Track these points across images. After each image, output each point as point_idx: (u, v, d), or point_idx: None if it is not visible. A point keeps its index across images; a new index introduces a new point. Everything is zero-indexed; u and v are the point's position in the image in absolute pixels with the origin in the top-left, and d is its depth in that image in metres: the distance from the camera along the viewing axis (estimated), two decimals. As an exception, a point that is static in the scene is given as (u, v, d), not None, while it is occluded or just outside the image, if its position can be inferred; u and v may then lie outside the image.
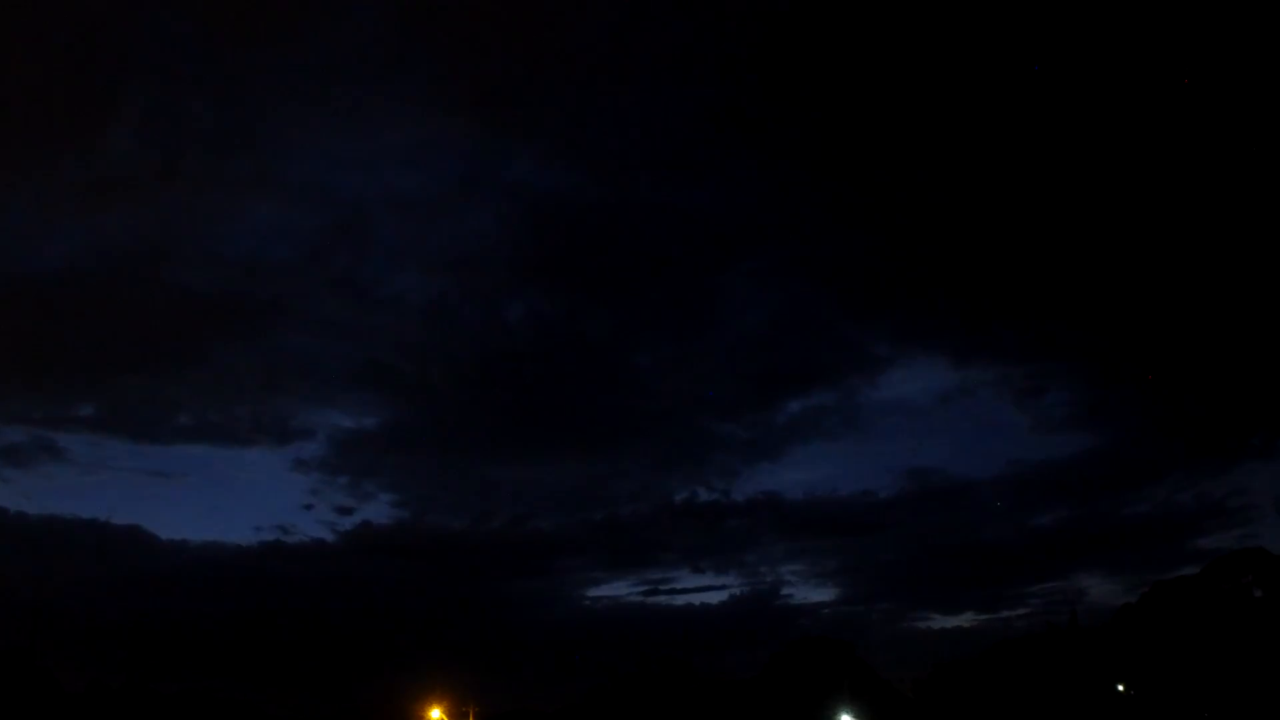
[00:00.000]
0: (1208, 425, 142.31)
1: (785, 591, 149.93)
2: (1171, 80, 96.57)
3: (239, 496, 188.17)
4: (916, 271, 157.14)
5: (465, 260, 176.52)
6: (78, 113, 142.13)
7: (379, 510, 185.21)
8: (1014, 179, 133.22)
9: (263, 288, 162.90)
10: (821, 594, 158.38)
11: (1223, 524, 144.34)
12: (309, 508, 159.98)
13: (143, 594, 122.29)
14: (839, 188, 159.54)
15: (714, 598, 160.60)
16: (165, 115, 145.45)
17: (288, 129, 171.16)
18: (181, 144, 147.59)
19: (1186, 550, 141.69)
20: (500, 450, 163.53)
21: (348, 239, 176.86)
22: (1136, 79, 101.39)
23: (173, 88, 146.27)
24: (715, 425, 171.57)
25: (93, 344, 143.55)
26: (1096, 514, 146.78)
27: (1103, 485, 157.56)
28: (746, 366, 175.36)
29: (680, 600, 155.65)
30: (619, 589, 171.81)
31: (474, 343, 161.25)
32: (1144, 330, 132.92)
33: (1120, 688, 77.56)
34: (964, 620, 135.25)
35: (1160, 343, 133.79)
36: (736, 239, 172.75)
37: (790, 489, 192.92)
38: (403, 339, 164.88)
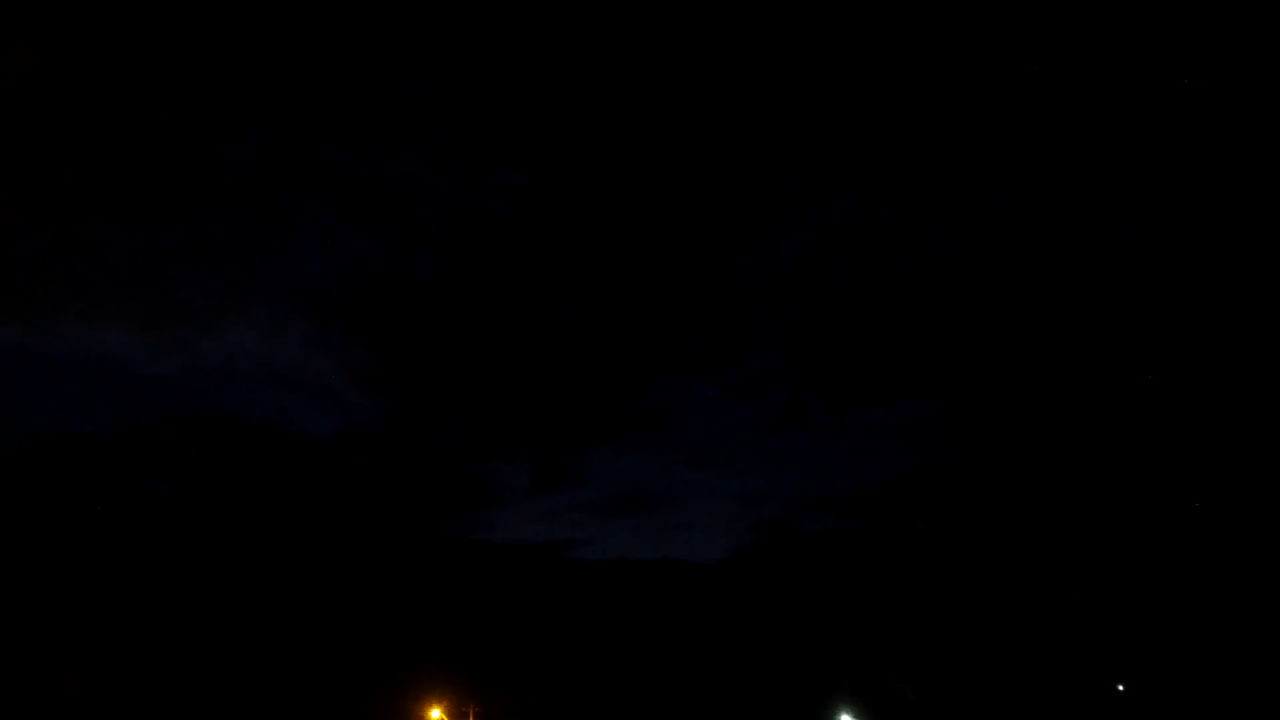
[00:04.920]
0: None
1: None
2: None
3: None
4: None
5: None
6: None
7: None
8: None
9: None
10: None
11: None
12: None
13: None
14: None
15: (712, 555, 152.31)
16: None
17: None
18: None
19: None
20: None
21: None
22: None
23: None
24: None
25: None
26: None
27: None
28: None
29: (675, 556, 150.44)
30: (597, 537, 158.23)
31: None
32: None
33: (1120, 688, 77.46)
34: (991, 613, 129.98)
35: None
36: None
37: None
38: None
